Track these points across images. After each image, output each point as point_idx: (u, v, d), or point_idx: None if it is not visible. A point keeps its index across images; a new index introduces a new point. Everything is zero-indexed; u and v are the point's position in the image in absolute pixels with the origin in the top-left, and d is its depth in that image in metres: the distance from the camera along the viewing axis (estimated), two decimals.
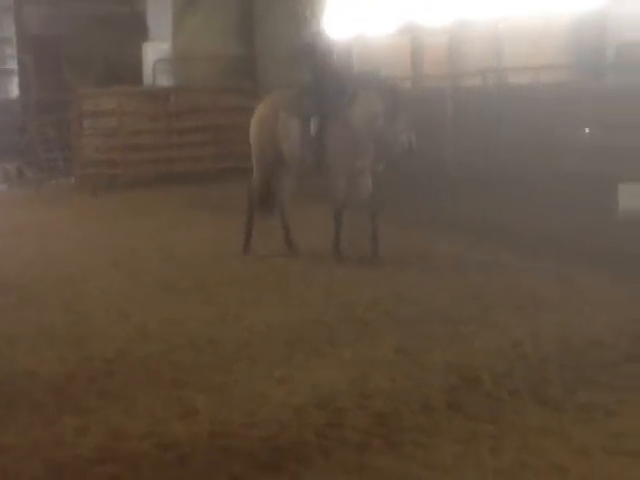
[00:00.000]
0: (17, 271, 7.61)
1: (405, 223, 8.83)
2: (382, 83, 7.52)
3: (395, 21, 14.88)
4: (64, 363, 5.24)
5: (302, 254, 7.66)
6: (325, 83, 7.54)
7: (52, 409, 4.55)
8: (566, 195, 9.16)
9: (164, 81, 14.88)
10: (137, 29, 17.28)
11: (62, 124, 13.50)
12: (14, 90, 16.17)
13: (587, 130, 10.15)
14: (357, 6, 16.22)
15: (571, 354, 4.75)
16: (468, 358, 4.78)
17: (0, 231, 9.67)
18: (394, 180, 9.25)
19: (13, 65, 16.06)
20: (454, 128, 10.63)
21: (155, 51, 15.94)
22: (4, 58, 16.22)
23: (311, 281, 6.79)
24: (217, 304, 6.31)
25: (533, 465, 3.38)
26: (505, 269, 6.77)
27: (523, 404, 4.05)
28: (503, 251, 7.31)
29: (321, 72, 7.74)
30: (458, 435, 3.70)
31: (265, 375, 4.77)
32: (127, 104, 12.81)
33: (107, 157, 12.69)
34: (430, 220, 9.04)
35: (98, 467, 3.73)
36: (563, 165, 9.61)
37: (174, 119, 13.18)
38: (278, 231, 8.06)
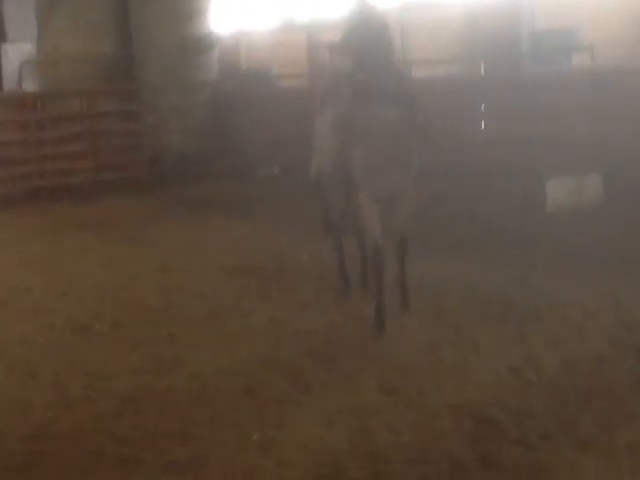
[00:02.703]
0: None
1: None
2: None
3: (286, 16, 14.24)
4: None
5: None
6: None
7: None
8: (485, 188, 8.86)
9: (30, 85, 13.31)
10: None
11: None
12: None
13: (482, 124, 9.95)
14: (245, 1, 15.44)
15: (578, 377, 4.27)
16: (470, 395, 4.16)
17: None
18: None
19: None
20: None
21: (17, 52, 14.34)
22: None
23: (250, 310, 5.92)
24: (144, 348, 5.32)
25: None
26: (456, 276, 6.22)
27: (562, 450, 3.47)
28: (443, 256, 6.77)
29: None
30: None
31: (240, 439, 3.90)
32: None
33: None
34: None
35: None
36: (478, 158, 9.32)
37: (45, 128, 11.73)
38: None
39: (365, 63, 5.20)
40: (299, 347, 5.04)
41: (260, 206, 9.91)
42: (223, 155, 12.41)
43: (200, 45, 13.06)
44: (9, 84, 14.22)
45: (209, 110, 13.14)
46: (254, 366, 4.82)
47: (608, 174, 7.97)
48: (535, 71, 9.62)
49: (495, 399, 4.06)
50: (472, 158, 9.42)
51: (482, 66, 10.10)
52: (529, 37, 9.66)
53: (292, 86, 13.38)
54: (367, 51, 5.19)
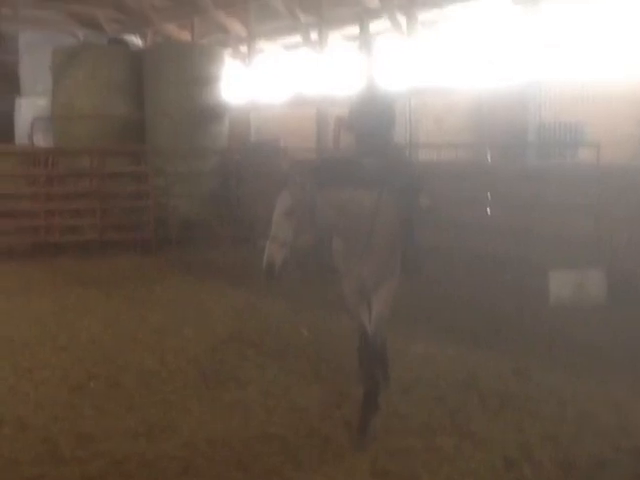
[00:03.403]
0: None
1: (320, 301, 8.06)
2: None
3: (296, 90, 14.62)
4: None
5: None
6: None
7: None
8: (486, 277, 8.92)
9: (42, 140, 13.56)
10: (7, 82, 15.94)
11: None
12: None
13: (489, 211, 10.08)
14: (257, 74, 15.87)
15: (574, 476, 4.22)
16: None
17: None
18: None
19: None
20: None
21: (30, 107, 14.64)
22: None
23: (247, 380, 5.89)
24: (138, 411, 5.28)
25: None
26: (455, 363, 6.21)
27: None
28: (442, 341, 6.78)
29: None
30: None
31: None
32: (0, 165, 11.40)
33: None
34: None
35: None
36: (479, 246, 9.40)
37: (55, 183, 11.89)
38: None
39: (365, 140, 5.22)
40: (293, 422, 5.00)
41: (259, 275, 9.94)
42: (226, 223, 12.55)
43: (211, 113, 13.37)
44: (21, 138, 14.45)
45: (216, 178, 13.34)
46: (246, 438, 4.77)
47: (611, 270, 8.03)
48: (542, 164, 9.81)
49: None
50: (476, 245, 9.50)
51: (489, 154, 10.32)
52: (536, 129, 9.90)
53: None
54: (369, 129, 5.21)
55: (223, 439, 4.74)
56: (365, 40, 5.87)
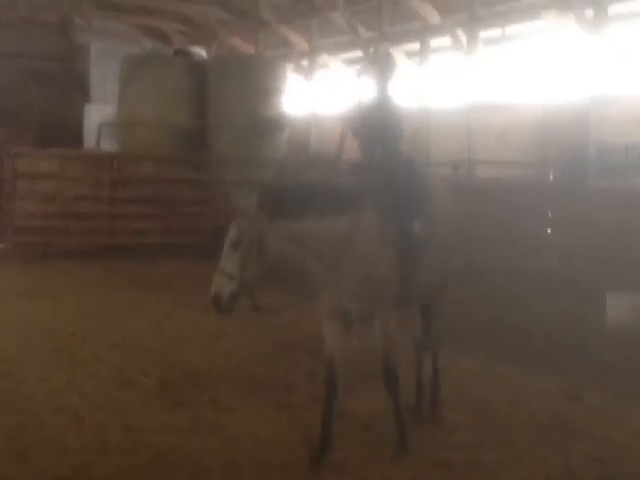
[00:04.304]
0: None
1: None
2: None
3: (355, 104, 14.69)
4: (14, 475, 4.27)
5: None
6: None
7: None
8: (542, 296, 8.77)
9: (107, 145, 14.01)
10: (78, 89, 16.51)
11: None
12: None
13: (549, 230, 9.92)
14: (318, 87, 16.04)
15: None
16: None
17: None
18: None
19: None
20: None
21: (98, 113, 15.14)
22: None
23: (296, 385, 5.95)
24: (185, 408, 5.41)
25: None
26: (504, 382, 6.15)
27: None
28: (493, 360, 6.71)
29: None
30: None
31: None
32: (68, 168, 11.81)
33: (43, 224, 11.53)
34: None
35: None
36: (537, 265, 9.25)
37: (119, 187, 12.27)
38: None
39: (370, 153, 4.90)
40: (340, 427, 5.02)
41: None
42: None
43: (272, 124, 13.58)
44: (89, 143, 14.94)
45: None
46: (291, 440, 4.84)
47: None
48: (604, 185, 9.64)
49: None
50: (534, 264, 9.34)
51: (551, 172, 10.20)
52: (597, 148, 9.75)
53: None
54: (373, 140, 4.91)
55: (268, 440, 4.82)
56: (379, 55, 5.48)
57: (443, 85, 13.56)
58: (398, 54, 14.46)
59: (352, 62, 15.76)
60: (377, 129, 4.94)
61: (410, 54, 14.31)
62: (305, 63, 16.55)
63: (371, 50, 13.67)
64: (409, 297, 4.70)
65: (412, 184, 4.80)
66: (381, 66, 5.14)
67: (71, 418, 5.12)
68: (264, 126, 13.52)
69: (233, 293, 4.22)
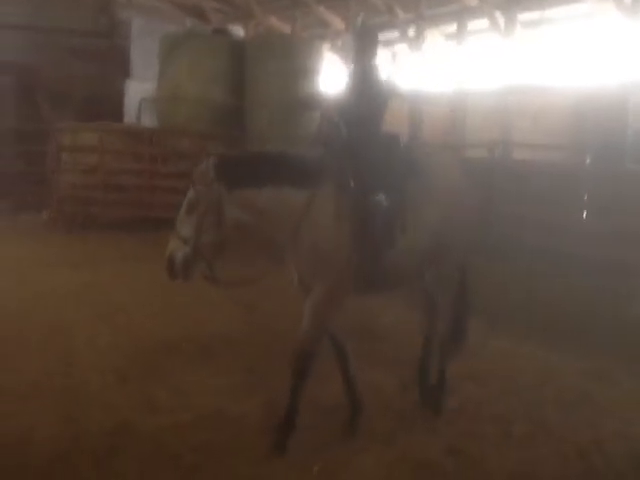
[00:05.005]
0: None
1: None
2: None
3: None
4: (60, 433, 4.52)
5: None
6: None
7: None
8: (577, 279, 8.80)
9: (147, 121, 14.25)
10: (119, 65, 16.75)
11: (35, 156, 12.65)
12: None
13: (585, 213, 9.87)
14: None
15: None
16: (532, 467, 4.23)
17: None
18: None
19: None
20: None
21: (138, 89, 15.37)
22: None
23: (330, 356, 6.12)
24: (224, 373, 5.63)
25: None
26: (535, 360, 6.26)
27: None
28: (524, 338, 6.81)
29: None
30: None
31: (301, 468, 4.13)
32: (109, 141, 12.07)
33: (84, 195, 11.85)
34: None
35: None
36: (572, 248, 9.22)
37: (158, 162, 12.49)
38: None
39: (350, 130, 4.61)
40: (370, 397, 5.19)
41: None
42: None
43: (306, 103, 13.67)
44: (129, 118, 15.20)
45: None
46: (324, 407, 5.01)
47: None
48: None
49: (558, 476, 4.11)
50: (569, 247, 9.34)
51: (587, 155, 10.16)
52: (633, 133, 9.70)
53: None
54: (353, 118, 4.64)
55: (302, 404, 5.00)
56: (364, 29, 4.86)
57: (480, 67, 13.53)
58: (436, 35, 14.47)
59: (389, 43, 15.77)
60: (350, 102, 4.73)
61: (448, 36, 14.29)
62: (341, 43, 16.58)
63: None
64: (378, 278, 4.39)
65: (385, 159, 4.53)
66: (359, 37, 4.83)
67: (116, 379, 5.38)
68: (299, 106, 13.62)
69: (187, 258, 4.16)
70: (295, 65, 13.88)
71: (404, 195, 4.46)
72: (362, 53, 4.79)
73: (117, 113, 14.95)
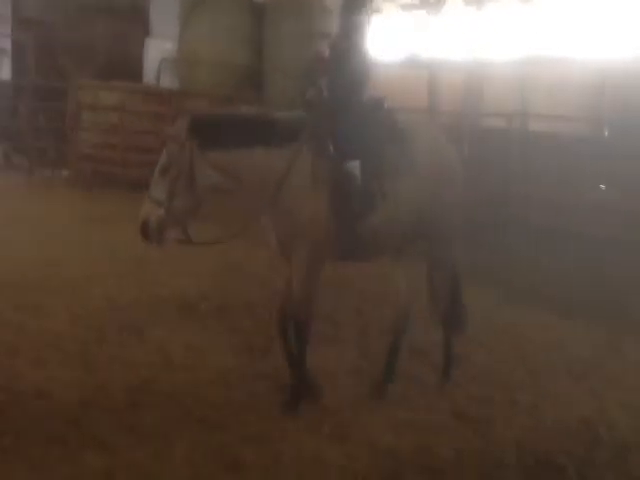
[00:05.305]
0: (12, 270, 6.89)
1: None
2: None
3: (411, 52, 14.65)
4: (79, 387, 4.69)
5: None
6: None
7: (70, 443, 4.01)
8: (592, 256, 8.83)
9: (166, 81, 14.26)
10: (139, 24, 16.69)
11: (55, 113, 12.73)
12: (5, 71, 15.25)
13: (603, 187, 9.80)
14: (373, 33, 15.95)
15: None
16: (536, 435, 4.38)
17: None
18: None
19: (6, 45, 15.16)
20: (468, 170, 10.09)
21: (158, 49, 15.34)
22: None
23: (344, 321, 6.28)
24: (241, 333, 5.79)
25: None
26: (545, 330, 6.37)
27: None
28: (537, 310, 6.90)
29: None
30: None
31: (313, 429, 4.29)
32: (129, 101, 12.11)
33: (104, 154, 11.94)
34: None
35: None
36: (590, 222, 9.20)
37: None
38: None
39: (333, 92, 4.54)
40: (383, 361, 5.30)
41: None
42: None
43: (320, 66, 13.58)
44: (148, 78, 15.19)
45: None
46: (337, 369, 5.15)
47: None
48: None
49: (560, 444, 4.25)
50: (583, 222, 9.32)
51: (606, 129, 10.11)
52: None
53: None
54: (337, 82, 4.57)
55: (316, 367, 5.10)
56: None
57: (500, 35, 13.40)
58: (456, 1, 14.30)
59: (408, 8, 15.62)
60: (334, 65, 4.64)
61: (467, 1, 14.13)
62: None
63: None
64: (356, 246, 4.37)
65: (366, 124, 4.43)
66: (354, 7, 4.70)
67: (135, 335, 5.55)
68: (314, 69, 13.55)
69: (160, 220, 4.11)
70: (314, 29, 13.81)
71: (383, 161, 4.39)
72: (348, 15, 4.66)
73: (136, 72, 14.95)
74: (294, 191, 4.20)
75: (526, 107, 11.01)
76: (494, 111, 11.32)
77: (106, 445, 3.98)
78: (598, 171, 9.53)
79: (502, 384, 5.12)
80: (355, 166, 4.28)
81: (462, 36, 13.73)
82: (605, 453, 4.19)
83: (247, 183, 4.23)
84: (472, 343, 5.65)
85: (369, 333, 5.99)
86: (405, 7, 15.83)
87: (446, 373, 5.07)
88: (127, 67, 14.82)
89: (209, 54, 13.84)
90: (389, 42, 15.95)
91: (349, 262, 4.75)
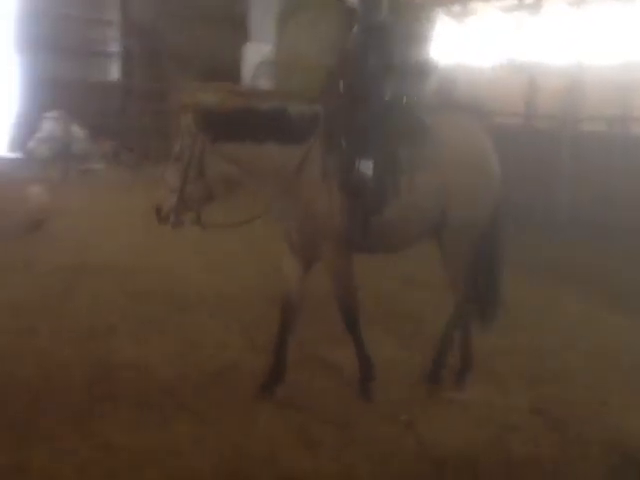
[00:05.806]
0: (116, 256, 7.54)
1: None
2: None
3: (508, 56, 14.48)
4: (173, 361, 5.04)
5: None
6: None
7: (165, 411, 4.32)
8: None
9: (264, 83, 14.71)
10: (238, 30, 17.26)
11: (159, 113, 13.40)
12: (114, 73, 16.15)
13: None
14: (469, 35, 15.90)
15: None
16: (623, 434, 4.38)
17: (106, 212, 9.63)
18: None
19: (115, 48, 16.06)
20: (570, 174, 10.00)
21: (256, 52, 15.84)
22: (106, 40, 16.23)
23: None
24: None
25: None
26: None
27: None
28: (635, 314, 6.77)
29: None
30: None
31: (389, 415, 4.45)
32: (230, 102, 12.54)
33: None
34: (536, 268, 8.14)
35: None
36: None
37: None
38: None
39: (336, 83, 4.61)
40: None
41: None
42: None
43: (416, 70, 13.64)
44: (245, 81, 15.73)
45: None
46: (414, 361, 5.25)
47: None
48: None
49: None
50: None
51: None
52: None
53: (505, 124, 13.51)
54: (356, 75, 4.58)
55: (387, 357, 5.13)
56: None
57: (602, 37, 13.07)
58: (559, 3, 14.03)
59: (507, 10, 15.44)
60: (353, 60, 4.66)
61: (572, 3, 13.85)
62: (457, 9, 16.33)
63: None
64: (371, 241, 4.42)
65: (382, 120, 4.41)
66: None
67: (228, 322, 5.88)
68: (410, 72, 13.61)
69: (173, 206, 4.24)
70: (407, 30, 13.88)
71: (398, 158, 4.39)
72: (368, 13, 4.68)
73: (235, 75, 15.50)
74: (306, 187, 4.28)
75: (628, 111, 10.75)
76: (595, 115, 11.12)
77: (197, 416, 4.27)
78: None
79: (589, 384, 5.11)
80: (367, 163, 4.30)
81: (562, 38, 13.47)
82: None
83: (256, 175, 4.33)
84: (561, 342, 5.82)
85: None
86: (503, 9, 15.66)
87: (467, 363, 4.95)
88: (227, 70, 15.39)
89: (303, 58, 14.17)
90: (485, 45, 15.82)
91: (367, 254, 4.68)
